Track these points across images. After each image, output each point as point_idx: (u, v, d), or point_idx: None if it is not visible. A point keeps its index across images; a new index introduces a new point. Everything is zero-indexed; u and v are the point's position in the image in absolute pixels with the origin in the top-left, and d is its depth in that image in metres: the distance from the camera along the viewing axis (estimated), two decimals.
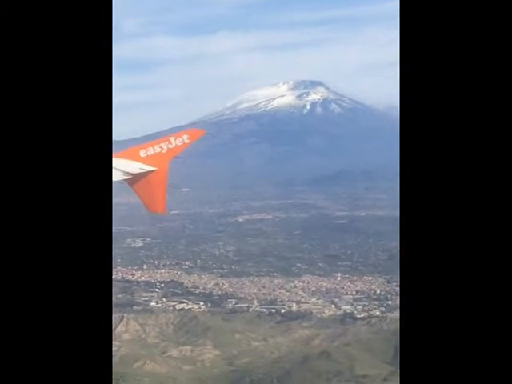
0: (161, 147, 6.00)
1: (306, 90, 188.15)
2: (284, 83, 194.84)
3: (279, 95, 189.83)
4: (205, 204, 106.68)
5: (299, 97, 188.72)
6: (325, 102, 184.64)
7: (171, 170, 6.35)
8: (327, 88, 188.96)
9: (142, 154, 5.95)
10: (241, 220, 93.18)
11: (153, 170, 5.77)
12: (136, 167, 5.73)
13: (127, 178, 5.73)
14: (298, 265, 68.26)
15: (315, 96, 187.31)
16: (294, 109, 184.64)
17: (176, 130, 6.82)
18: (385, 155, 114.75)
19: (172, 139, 6.19)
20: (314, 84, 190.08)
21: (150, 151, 5.95)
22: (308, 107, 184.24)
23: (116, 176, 5.54)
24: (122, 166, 5.66)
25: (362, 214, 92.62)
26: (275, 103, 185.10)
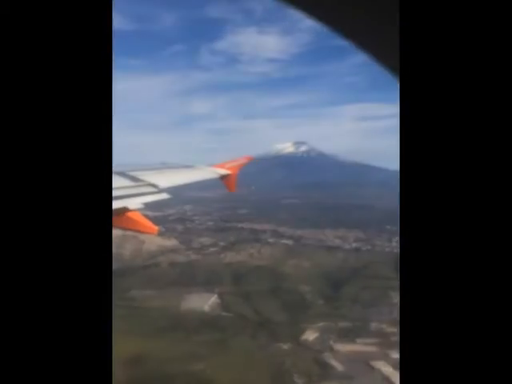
0: (234, 162, 10.01)
1: (299, 146, 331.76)
2: (289, 143, 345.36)
3: (287, 147, 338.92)
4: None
5: (297, 149, 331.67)
6: (308, 151, 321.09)
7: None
8: (309, 145, 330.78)
9: (226, 166, 9.52)
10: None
11: (231, 173, 9.33)
12: (224, 171, 9.16)
13: (219, 177, 8.96)
14: None
15: (304, 148, 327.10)
16: (295, 154, 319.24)
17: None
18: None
19: (239, 160, 10.30)
20: (302, 143, 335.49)
21: (231, 164, 9.78)
22: (300, 153, 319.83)
23: (215, 175, 8.73)
24: (217, 172, 8.90)
25: None
26: (286, 151, 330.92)
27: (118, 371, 36.73)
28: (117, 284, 55.76)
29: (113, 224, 4.75)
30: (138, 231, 5.22)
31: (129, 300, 52.72)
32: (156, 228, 5.25)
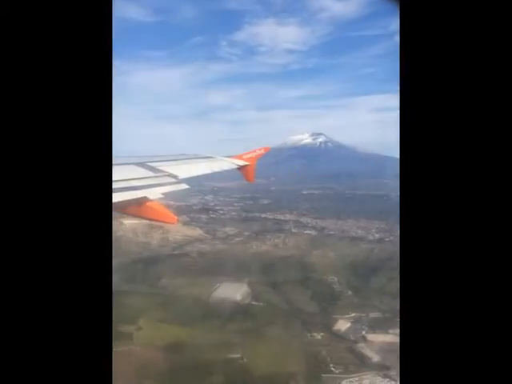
0: (252, 153, 9.97)
1: (316, 137, 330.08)
2: (306, 134, 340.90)
3: (305, 138, 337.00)
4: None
5: (314, 140, 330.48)
6: (325, 142, 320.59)
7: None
8: (327, 136, 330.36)
9: (244, 157, 9.46)
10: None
11: (249, 164, 9.46)
12: (242, 162, 9.32)
13: (237, 167, 9.15)
14: None
15: (321, 140, 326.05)
16: (313, 145, 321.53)
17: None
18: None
19: (257, 151, 10.07)
20: (319, 134, 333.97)
21: (248, 155, 9.84)
22: (318, 144, 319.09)
23: (233, 166, 8.75)
24: (236, 162, 8.98)
25: None
26: (303, 142, 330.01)
27: (159, 358, 37.54)
28: (147, 273, 57.39)
29: (134, 214, 5.04)
30: (159, 221, 5.27)
31: (160, 289, 53.61)
32: (176, 218, 5.29)
